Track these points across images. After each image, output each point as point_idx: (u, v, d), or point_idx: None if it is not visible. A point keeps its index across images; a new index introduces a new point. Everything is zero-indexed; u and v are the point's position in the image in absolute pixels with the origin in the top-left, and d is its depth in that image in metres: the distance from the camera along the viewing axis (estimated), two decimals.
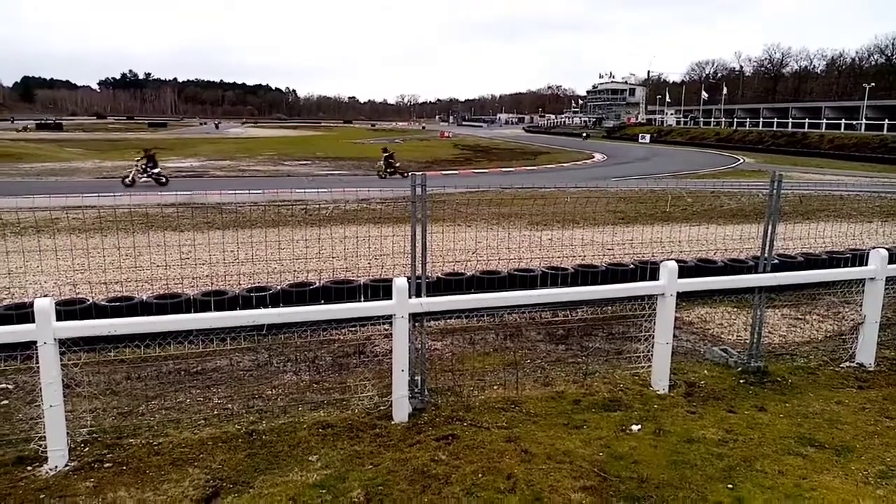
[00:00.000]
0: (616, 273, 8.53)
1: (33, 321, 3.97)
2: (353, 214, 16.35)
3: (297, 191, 17.90)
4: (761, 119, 70.68)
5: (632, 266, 8.75)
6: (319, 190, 18.34)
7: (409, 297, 4.71)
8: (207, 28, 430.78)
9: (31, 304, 4.05)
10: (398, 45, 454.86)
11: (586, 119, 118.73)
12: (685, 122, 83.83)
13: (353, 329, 6.97)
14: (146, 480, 3.95)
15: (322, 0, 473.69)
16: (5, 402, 5.26)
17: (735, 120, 74.26)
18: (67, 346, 4.25)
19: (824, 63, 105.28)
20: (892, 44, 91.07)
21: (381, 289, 7.33)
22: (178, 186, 23.00)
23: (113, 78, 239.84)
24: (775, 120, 66.38)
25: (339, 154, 46.41)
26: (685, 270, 7.69)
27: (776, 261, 8.19)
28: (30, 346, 4.04)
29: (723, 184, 25.48)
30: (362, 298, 7.53)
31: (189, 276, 9.39)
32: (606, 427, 4.70)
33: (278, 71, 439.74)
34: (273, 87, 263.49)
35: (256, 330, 6.04)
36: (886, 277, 5.98)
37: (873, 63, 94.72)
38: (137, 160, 24.35)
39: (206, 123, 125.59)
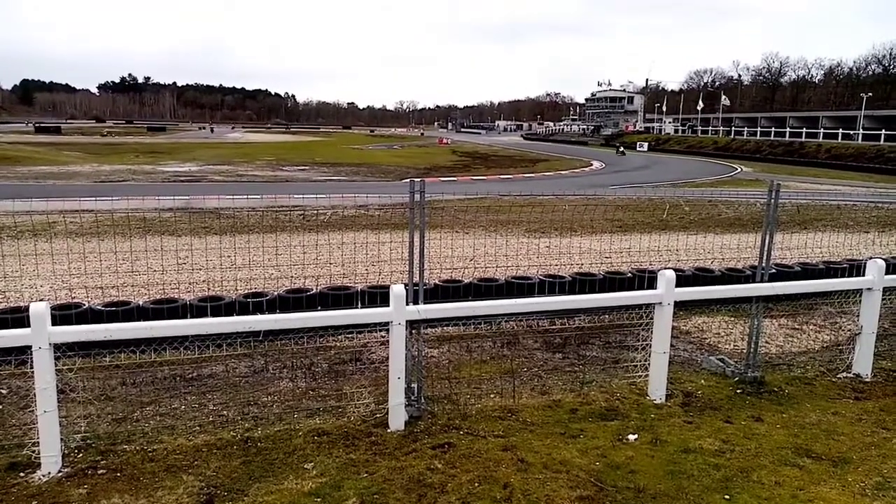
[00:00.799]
0: (614, 281, 8.53)
1: (29, 325, 3.96)
2: (350, 220, 16.33)
3: (296, 196, 17.90)
4: (759, 128, 70.90)
5: (629, 274, 8.75)
6: (318, 196, 18.35)
7: (407, 304, 4.69)
8: (207, 32, 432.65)
9: (27, 309, 4.04)
10: (397, 51, 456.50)
11: (584, 127, 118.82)
12: (683, 131, 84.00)
13: (350, 336, 6.97)
14: (140, 487, 3.92)
15: (322, 5, 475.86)
16: None
17: (733, 129, 74.44)
18: (62, 350, 4.22)
19: (822, 73, 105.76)
20: (890, 54, 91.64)
21: (378, 295, 7.34)
22: (178, 191, 22.96)
23: (112, 82, 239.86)
24: (773, 129, 66.58)
25: (338, 160, 46.48)
26: (683, 279, 7.71)
27: (773, 270, 8.20)
28: (24, 350, 4.02)
29: (720, 193, 25.52)
30: (359, 305, 7.52)
31: (186, 281, 9.36)
32: (603, 436, 4.69)
33: (278, 76, 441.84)
34: (272, 92, 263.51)
35: (253, 336, 6.02)
36: (883, 288, 5.99)
37: (871, 73, 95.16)
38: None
39: (204, 128, 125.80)
